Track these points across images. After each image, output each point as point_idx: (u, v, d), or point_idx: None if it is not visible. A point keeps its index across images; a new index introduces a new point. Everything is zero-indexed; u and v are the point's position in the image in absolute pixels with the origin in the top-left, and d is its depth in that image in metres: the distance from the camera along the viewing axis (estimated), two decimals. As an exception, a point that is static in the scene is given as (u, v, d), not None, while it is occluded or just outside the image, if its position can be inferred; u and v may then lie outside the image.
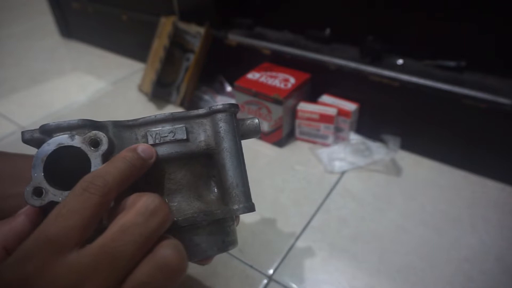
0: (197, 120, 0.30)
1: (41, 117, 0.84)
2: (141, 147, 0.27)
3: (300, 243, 0.53)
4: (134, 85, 0.94)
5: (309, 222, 0.56)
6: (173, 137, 0.29)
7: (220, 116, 0.30)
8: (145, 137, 0.29)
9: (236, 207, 0.29)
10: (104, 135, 0.27)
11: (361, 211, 0.58)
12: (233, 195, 0.30)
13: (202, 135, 0.30)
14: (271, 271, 0.50)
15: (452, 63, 0.63)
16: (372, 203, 0.59)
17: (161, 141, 0.29)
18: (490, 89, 0.58)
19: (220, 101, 0.82)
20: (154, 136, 0.29)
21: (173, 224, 0.27)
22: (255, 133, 0.33)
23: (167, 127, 0.29)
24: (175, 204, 0.29)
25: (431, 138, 0.66)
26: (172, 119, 0.29)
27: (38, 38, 1.24)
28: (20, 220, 0.25)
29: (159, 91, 0.86)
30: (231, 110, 0.30)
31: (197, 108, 0.33)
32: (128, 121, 0.29)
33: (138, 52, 1.01)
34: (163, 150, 0.29)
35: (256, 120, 0.33)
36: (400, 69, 0.64)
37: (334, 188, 0.62)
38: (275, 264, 0.50)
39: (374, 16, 0.69)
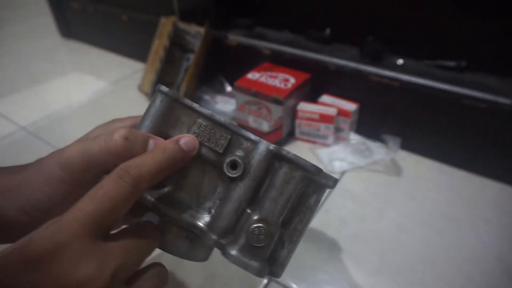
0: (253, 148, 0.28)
1: (41, 117, 0.84)
2: (184, 140, 0.27)
3: (300, 243, 0.53)
4: (134, 85, 0.94)
5: (309, 222, 0.56)
6: (213, 145, 0.28)
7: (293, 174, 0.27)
8: (194, 124, 0.28)
9: (248, 261, 0.26)
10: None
11: (361, 211, 0.58)
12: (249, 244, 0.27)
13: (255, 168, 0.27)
14: (271, 271, 0.50)
15: (452, 63, 0.63)
16: (372, 203, 0.59)
17: (203, 140, 0.28)
18: (490, 89, 0.58)
19: (220, 101, 0.82)
20: (202, 130, 0.28)
21: (172, 214, 0.27)
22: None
23: (218, 133, 0.28)
24: (179, 197, 0.29)
25: (431, 138, 0.66)
26: (227, 128, 0.28)
27: (38, 38, 1.24)
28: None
29: (159, 91, 0.86)
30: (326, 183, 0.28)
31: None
32: (184, 99, 0.28)
33: (138, 52, 1.01)
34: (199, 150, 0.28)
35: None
36: (400, 69, 0.64)
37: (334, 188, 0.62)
38: (275, 264, 0.50)
39: (374, 16, 0.69)
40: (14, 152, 0.73)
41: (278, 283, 0.48)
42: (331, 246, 0.53)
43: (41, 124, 0.81)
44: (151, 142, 0.26)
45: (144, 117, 0.29)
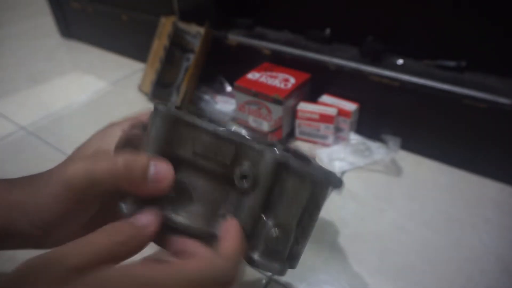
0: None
1: (41, 117, 0.84)
2: (139, 219, 0.26)
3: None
4: (134, 85, 0.94)
5: (309, 222, 0.56)
6: (220, 158, 0.28)
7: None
8: (198, 139, 0.28)
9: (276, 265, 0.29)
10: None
11: (361, 211, 0.58)
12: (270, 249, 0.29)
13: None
14: (271, 271, 0.50)
15: (452, 63, 0.63)
16: (372, 203, 0.59)
17: (205, 155, 0.28)
18: (490, 89, 0.58)
19: (220, 101, 0.82)
20: (207, 144, 0.27)
21: (182, 225, 0.28)
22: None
23: (223, 145, 0.28)
24: (191, 208, 0.29)
25: (431, 138, 0.66)
26: (231, 140, 0.27)
27: (38, 38, 1.24)
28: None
29: (159, 91, 0.86)
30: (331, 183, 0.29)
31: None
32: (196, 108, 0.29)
33: (138, 52, 1.01)
34: (201, 163, 0.28)
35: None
36: (400, 69, 0.64)
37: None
38: (275, 264, 0.50)
39: (374, 16, 0.69)
40: (14, 152, 0.73)
41: (278, 283, 0.48)
42: (331, 246, 0.53)
43: (41, 124, 0.81)
44: (152, 168, 0.26)
45: (146, 139, 0.28)
